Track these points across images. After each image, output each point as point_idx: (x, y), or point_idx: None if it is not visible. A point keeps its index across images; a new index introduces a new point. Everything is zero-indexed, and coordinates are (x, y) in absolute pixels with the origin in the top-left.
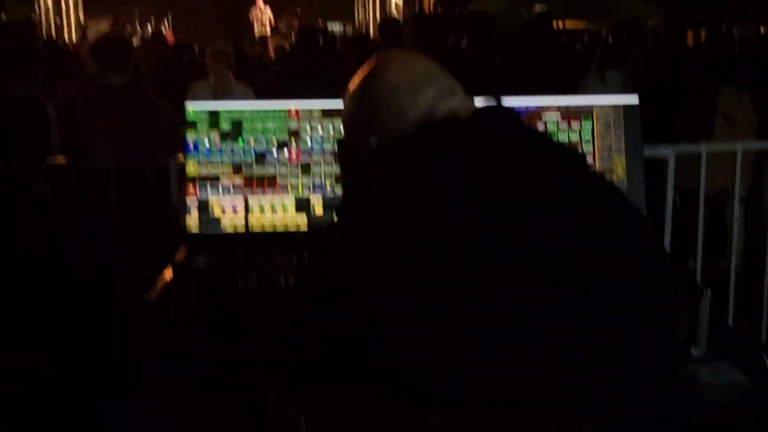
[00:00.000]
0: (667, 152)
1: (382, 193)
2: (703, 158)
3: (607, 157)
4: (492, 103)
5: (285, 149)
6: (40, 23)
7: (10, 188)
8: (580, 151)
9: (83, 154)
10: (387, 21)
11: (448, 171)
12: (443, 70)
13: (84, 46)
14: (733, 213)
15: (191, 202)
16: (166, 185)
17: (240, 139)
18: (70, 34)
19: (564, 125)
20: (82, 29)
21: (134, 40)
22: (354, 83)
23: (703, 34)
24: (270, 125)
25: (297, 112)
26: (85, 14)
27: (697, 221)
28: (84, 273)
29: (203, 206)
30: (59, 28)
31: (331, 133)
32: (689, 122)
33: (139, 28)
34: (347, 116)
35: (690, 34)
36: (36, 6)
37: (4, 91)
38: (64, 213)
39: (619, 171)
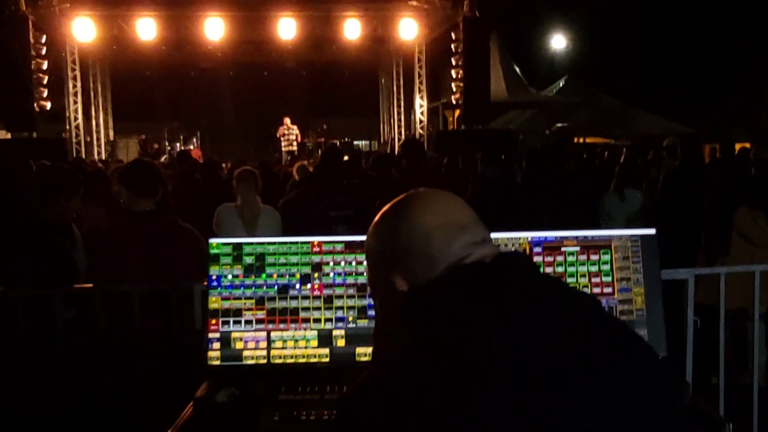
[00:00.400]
0: (686, 275)
1: (412, 364)
2: (722, 280)
3: (625, 288)
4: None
5: (308, 283)
6: (71, 141)
7: (33, 312)
8: (593, 292)
9: (108, 279)
10: (410, 140)
11: (476, 331)
12: (476, 218)
13: (112, 164)
14: (754, 330)
15: (213, 335)
16: (190, 310)
17: (263, 273)
18: (99, 152)
19: (583, 257)
20: (111, 147)
21: (163, 158)
22: (385, 217)
23: (718, 150)
24: (293, 259)
25: (320, 245)
26: (114, 132)
27: (719, 338)
28: (102, 402)
29: (225, 340)
30: (89, 145)
31: (354, 266)
32: (707, 240)
33: (168, 146)
34: (374, 249)
35: (707, 149)
36: (66, 124)
37: (33, 215)
38: (86, 337)
39: (638, 302)
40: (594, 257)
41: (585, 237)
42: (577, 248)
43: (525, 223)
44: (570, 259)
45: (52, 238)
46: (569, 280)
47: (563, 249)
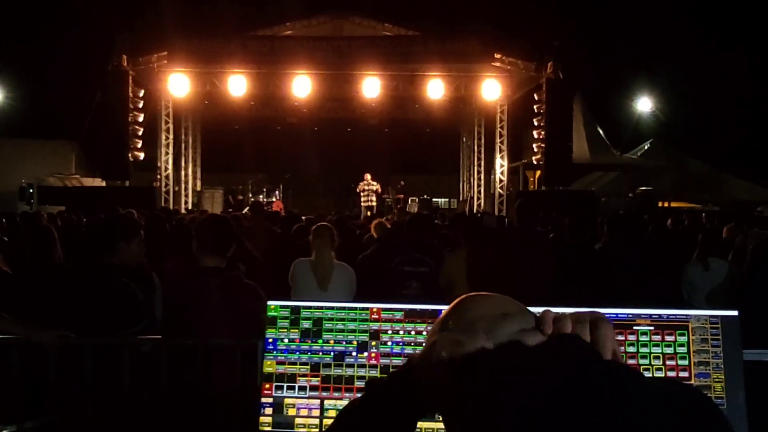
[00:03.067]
0: None
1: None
2: None
3: (703, 373)
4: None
5: (365, 350)
6: (160, 190)
7: (102, 356)
8: (667, 377)
9: (174, 331)
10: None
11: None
12: (525, 310)
13: (197, 215)
14: None
15: (266, 400)
16: (253, 367)
17: (320, 339)
18: (187, 201)
19: (657, 337)
20: (197, 197)
21: (246, 210)
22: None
23: None
24: (351, 325)
25: (379, 312)
26: (201, 183)
27: None
28: None
29: (278, 406)
30: (177, 195)
31: (413, 335)
32: None
33: (251, 197)
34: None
35: None
36: (157, 174)
37: (101, 262)
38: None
39: (717, 388)
40: (669, 338)
41: (660, 316)
42: (651, 328)
43: (604, 293)
44: (643, 339)
45: (118, 280)
46: (641, 362)
47: (635, 328)
